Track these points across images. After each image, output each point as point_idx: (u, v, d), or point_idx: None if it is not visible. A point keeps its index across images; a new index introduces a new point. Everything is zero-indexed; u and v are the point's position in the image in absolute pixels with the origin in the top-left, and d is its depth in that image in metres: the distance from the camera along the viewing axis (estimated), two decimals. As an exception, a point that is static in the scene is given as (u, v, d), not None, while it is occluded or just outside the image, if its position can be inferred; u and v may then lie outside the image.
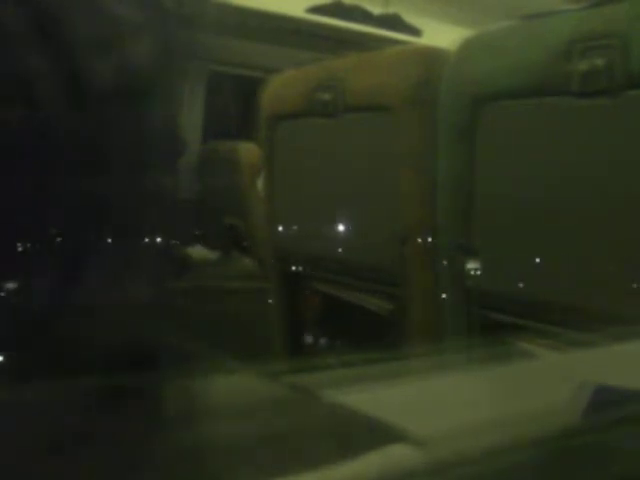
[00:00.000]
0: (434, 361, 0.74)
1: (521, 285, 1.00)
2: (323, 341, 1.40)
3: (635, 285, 0.86)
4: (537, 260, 0.99)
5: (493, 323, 1.03)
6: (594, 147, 0.92)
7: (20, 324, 0.38)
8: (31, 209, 0.38)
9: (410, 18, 2.90)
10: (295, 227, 1.43)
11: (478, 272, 1.06)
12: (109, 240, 0.41)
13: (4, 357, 0.38)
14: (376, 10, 2.85)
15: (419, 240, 1.15)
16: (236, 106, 2.80)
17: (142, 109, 0.43)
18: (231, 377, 0.54)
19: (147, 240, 0.44)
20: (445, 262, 1.11)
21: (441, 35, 1.87)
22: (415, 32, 2.89)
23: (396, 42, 2.45)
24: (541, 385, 0.54)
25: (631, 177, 0.88)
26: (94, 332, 0.40)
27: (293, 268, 1.44)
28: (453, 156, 1.09)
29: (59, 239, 0.39)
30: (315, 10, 2.64)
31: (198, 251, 2.10)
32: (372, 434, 0.42)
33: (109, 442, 0.37)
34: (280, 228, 1.47)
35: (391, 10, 2.90)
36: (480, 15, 1.99)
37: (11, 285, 0.38)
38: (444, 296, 1.12)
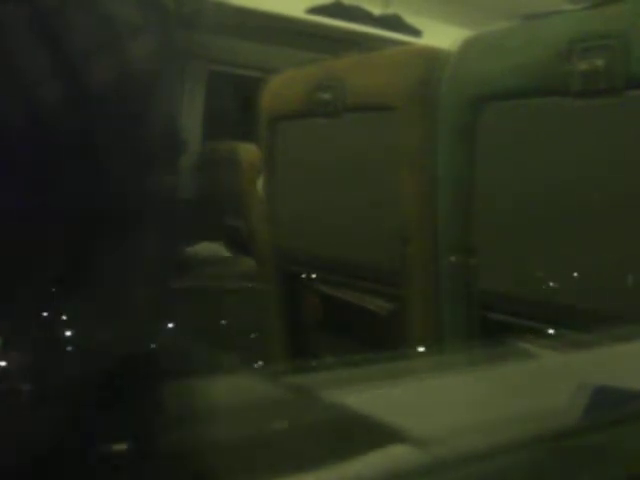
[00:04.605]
0: (434, 361, 0.74)
1: (521, 285, 1.00)
2: (323, 341, 1.40)
3: (635, 285, 0.86)
4: (537, 260, 0.99)
5: (493, 323, 1.03)
6: (594, 147, 0.92)
7: (19, 324, 0.38)
8: (31, 209, 0.38)
9: (410, 18, 2.90)
10: (295, 227, 1.43)
11: (478, 272, 1.05)
12: (109, 240, 0.41)
13: (4, 358, 0.38)
14: (376, 10, 2.85)
15: (420, 240, 1.15)
16: (236, 106, 2.80)
17: (142, 109, 0.43)
18: (231, 377, 0.54)
19: (147, 240, 0.44)
20: (445, 262, 1.11)
21: (441, 35, 1.87)
22: (415, 32, 2.89)
23: (396, 42, 2.45)
24: (541, 385, 0.54)
25: (631, 177, 0.88)
26: (95, 331, 0.40)
27: (293, 268, 1.44)
28: (453, 156, 1.09)
29: (59, 239, 0.39)
30: (315, 10, 2.64)
31: (198, 250, 2.10)
32: (372, 434, 0.42)
33: (109, 441, 0.37)
34: (280, 228, 1.47)
35: (391, 10, 2.90)
36: (480, 15, 1.99)
37: (10, 285, 0.38)
38: (444, 296, 1.12)
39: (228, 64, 2.66)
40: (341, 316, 1.35)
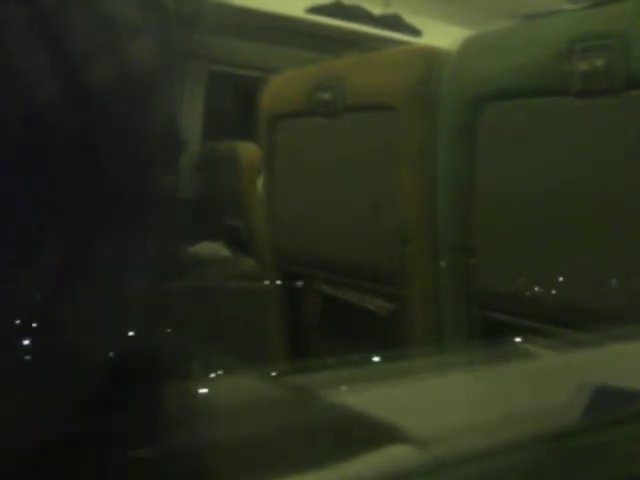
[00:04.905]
0: (434, 361, 0.74)
1: (521, 285, 1.00)
2: (323, 341, 1.40)
3: (635, 285, 0.86)
4: (537, 260, 0.99)
5: (493, 323, 1.03)
6: (594, 147, 0.92)
7: (18, 325, 0.38)
8: (30, 209, 0.38)
9: (410, 18, 2.90)
10: (295, 227, 1.43)
11: (478, 272, 1.05)
12: (109, 240, 0.41)
13: (2, 357, 0.38)
14: (376, 10, 2.84)
15: (420, 240, 1.15)
16: (236, 106, 2.80)
17: (142, 109, 0.43)
18: (231, 377, 0.54)
19: (147, 240, 0.44)
20: (445, 262, 1.11)
21: (441, 35, 1.87)
22: (415, 32, 2.88)
23: (396, 42, 2.45)
24: (541, 385, 0.54)
25: (631, 177, 0.88)
26: (93, 332, 0.40)
27: (293, 268, 1.44)
28: (453, 156, 1.09)
29: (59, 239, 0.39)
30: (315, 10, 2.64)
31: (199, 251, 2.09)
32: (372, 434, 0.42)
33: (108, 442, 0.37)
34: (280, 228, 1.47)
35: (391, 10, 2.89)
36: (480, 15, 1.99)
37: (9, 285, 0.38)
38: (444, 296, 1.12)
39: (228, 64, 2.66)
40: (341, 316, 1.35)
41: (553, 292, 0.96)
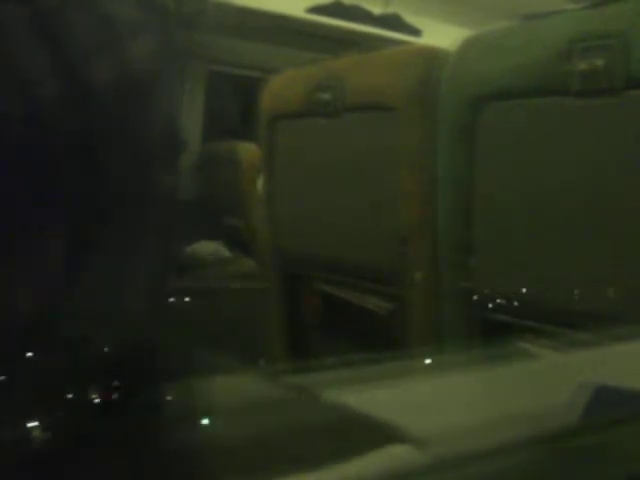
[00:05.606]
0: (434, 361, 0.74)
1: (521, 285, 1.00)
2: (323, 341, 1.40)
3: (635, 286, 0.86)
4: (537, 260, 0.99)
5: (493, 323, 1.03)
6: (594, 147, 0.92)
7: (16, 325, 0.38)
8: (29, 209, 0.38)
9: (410, 18, 2.90)
10: (295, 227, 1.43)
11: (478, 272, 1.05)
12: (109, 240, 0.41)
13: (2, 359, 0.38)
14: (376, 10, 2.85)
15: (419, 240, 1.15)
16: (236, 106, 2.80)
17: (142, 109, 0.43)
18: (231, 377, 0.54)
19: (147, 240, 0.44)
20: (445, 262, 1.11)
21: (441, 35, 1.87)
22: (415, 32, 2.89)
23: (396, 42, 2.45)
24: (541, 385, 0.54)
25: (631, 177, 0.88)
26: (92, 333, 0.40)
27: (293, 268, 1.44)
28: (453, 156, 1.09)
29: (58, 239, 0.39)
30: (315, 10, 2.64)
31: (197, 249, 2.10)
32: (372, 434, 0.42)
33: (108, 443, 0.37)
34: (280, 228, 1.47)
35: (391, 10, 2.90)
36: (480, 15, 1.99)
37: (8, 285, 0.38)
38: (444, 296, 1.12)
39: (228, 64, 2.66)
40: (341, 316, 1.35)
41: (553, 292, 0.96)
